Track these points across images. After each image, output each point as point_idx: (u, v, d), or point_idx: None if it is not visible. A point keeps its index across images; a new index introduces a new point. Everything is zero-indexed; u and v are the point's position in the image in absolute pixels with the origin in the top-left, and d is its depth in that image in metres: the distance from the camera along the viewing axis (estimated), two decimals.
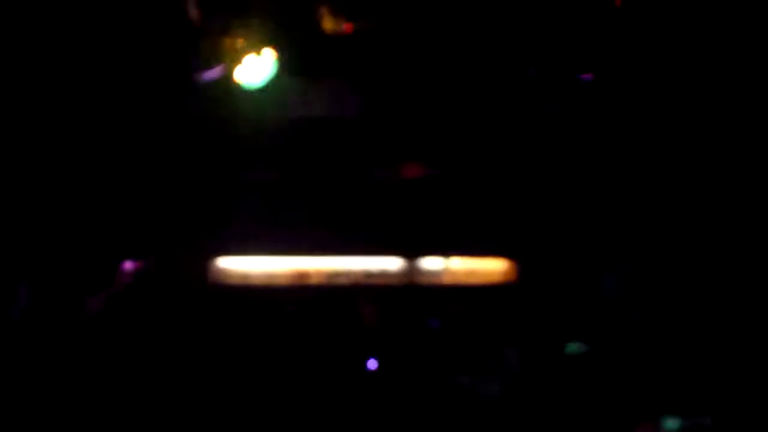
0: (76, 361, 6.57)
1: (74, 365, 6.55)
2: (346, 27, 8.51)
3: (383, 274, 8.56)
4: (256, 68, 8.27)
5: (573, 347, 6.55)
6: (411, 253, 8.55)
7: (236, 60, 8.22)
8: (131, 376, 7.22)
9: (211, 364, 7.72)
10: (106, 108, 8.36)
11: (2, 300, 6.58)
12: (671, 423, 6.32)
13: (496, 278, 8.55)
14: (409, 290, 8.48)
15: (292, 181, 8.68)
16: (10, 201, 7.89)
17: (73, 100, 8.29)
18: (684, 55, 8.27)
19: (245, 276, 8.52)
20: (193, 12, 8.13)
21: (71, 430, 6.52)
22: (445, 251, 8.51)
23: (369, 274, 8.57)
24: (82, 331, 6.38)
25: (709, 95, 8.29)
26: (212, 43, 8.25)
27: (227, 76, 8.22)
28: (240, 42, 8.26)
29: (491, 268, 8.58)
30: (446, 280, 8.58)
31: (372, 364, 7.41)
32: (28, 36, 7.93)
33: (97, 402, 6.69)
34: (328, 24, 8.43)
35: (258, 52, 8.24)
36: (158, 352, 7.51)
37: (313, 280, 8.54)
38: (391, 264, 8.59)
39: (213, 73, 8.27)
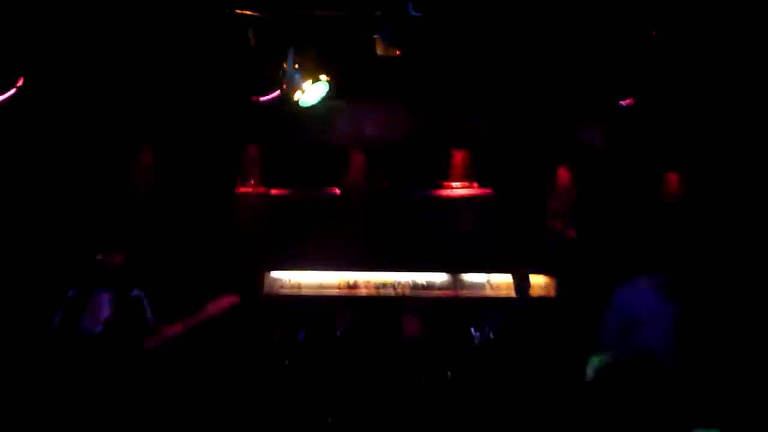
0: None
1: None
2: (397, 51, 8.83)
3: (428, 287, 9.03)
4: (310, 91, 8.64)
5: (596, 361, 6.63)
6: (454, 268, 8.98)
7: (292, 83, 8.58)
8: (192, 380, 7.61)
9: (264, 368, 8.10)
10: (174, 128, 8.87)
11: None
12: None
13: (536, 293, 8.96)
14: (453, 302, 8.91)
15: (343, 200, 9.15)
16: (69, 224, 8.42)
17: (144, 120, 8.79)
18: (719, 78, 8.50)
19: (297, 286, 9.02)
20: (253, 39, 8.50)
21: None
22: (487, 267, 8.94)
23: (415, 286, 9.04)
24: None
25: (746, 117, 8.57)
26: (270, 67, 8.63)
27: (284, 98, 8.62)
28: (296, 66, 8.62)
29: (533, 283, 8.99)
30: (487, 293, 9.03)
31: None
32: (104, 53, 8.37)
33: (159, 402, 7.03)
34: (380, 50, 8.77)
35: (312, 76, 8.61)
36: (215, 356, 7.89)
37: (362, 291, 9.05)
38: (436, 278, 9.03)
39: (270, 96, 8.66)
